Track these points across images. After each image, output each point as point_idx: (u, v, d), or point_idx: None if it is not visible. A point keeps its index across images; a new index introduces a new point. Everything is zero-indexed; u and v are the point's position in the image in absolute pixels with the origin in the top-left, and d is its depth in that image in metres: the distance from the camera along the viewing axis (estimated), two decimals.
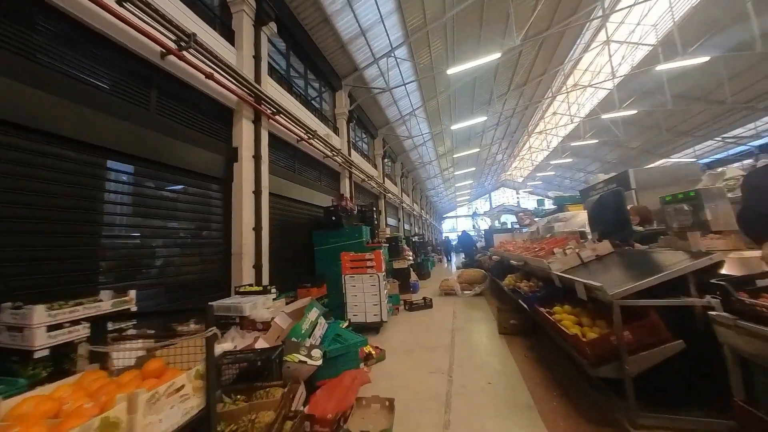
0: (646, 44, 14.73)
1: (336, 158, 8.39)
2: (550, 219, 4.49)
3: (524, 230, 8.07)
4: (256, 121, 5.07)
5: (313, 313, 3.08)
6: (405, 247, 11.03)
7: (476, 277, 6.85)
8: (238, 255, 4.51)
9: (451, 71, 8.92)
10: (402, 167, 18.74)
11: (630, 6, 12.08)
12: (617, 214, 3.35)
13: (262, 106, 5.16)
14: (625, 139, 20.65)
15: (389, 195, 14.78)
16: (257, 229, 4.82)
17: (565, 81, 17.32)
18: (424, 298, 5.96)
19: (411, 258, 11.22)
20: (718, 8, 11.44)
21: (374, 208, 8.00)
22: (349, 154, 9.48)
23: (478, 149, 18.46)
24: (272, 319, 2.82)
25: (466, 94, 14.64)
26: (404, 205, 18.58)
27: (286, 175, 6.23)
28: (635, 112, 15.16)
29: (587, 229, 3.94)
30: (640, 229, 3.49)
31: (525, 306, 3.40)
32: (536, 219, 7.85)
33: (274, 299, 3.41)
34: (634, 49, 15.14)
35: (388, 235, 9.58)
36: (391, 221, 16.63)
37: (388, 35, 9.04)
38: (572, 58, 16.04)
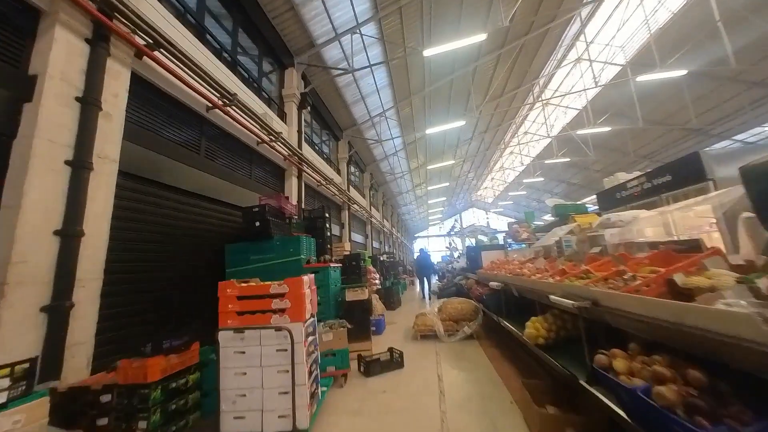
0: (615, 64, 14.84)
1: (278, 147, 6.23)
2: (600, 224, 2.61)
3: (514, 246, 6.30)
4: (97, 41, 2.85)
5: None
6: (371, 268, 8.87)
7: (465, 311, 4.85)
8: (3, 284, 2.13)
9: (428, 52, 7.34)
10: (371, 178, 16.90)
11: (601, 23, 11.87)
12: None
13: (115, 22, 2.97)
14: (592, 160, 21.54)
15: (355, 206, 12.71)
16: (70, 233, 2.48)
17: (541, 93, 17.31)
18: (391, 351, 3.80)
19: (378, 282, 9.05)
20: (688, 27, 11.36)
21: (326, 215, 5.88)
22: (300, 147, 7.37)
23: (453, 161, 17.23)
24: None
25: (442, 99, 13.46)
26: (373, 219, 16.57)
27: (177, 155, 3.95)
28: (609, 129, 15.14)
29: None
30: None
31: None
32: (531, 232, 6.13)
33: None
34: (603, 69, 15.40)
35: (347, 252, 7.40)
36: (358, 237, 14.45)
37: (353, 5, 7.34)
38: (545, 74, 16.15)
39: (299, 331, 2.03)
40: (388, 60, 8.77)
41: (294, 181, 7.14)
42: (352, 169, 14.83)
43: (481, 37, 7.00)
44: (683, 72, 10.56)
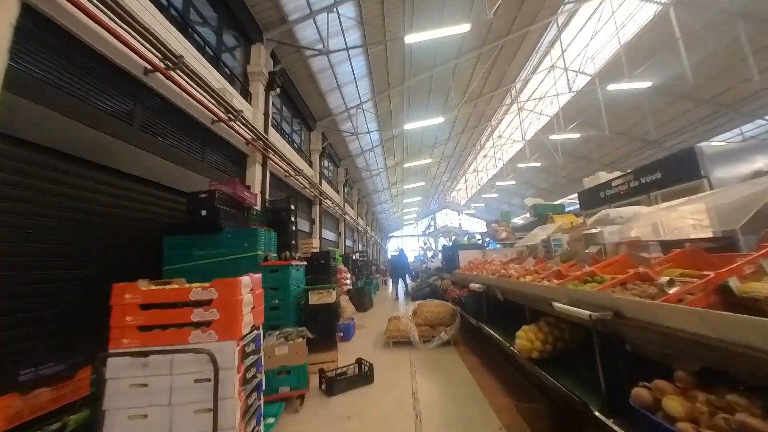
0: (585, 73, 15.46)
1: (238, 128, 5.49)
2: (598, 221, 2.27)
3: (493, 246, 6.05)
4: None
5: None
6: (342, 267, 8.30)
7: (441, 315, 4.46)
8: None
9: (409, 39, 6.91)
10: (346, 174, 16.25)
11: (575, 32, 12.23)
12: None
13: None
14: (560, 165, 22.83)
15: (327, 202, 12.02)
16: None
17: (517, 97, 17.86)
18: (360, 363, 3.29)
19: (349, 282, 8.49)
20: (655, 42, 11.96)
21: (291, 207, 5.23)
22: (266, 132, 6.62)
23: (430, 160, 17.06)
24: None
25: (422, 95, 13.16)
26: (347, 216, 15.93)
27: (97, 122, 3.15)
28: (578, 135, 15.84)
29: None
30: None
31: None
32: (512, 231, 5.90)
33: None
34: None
35: (316, 250, 6.77)
36: (330, 235, 13.76)
37: None
38: (521, 78, 16.58)
39: (230, 352, 1.46)
40: (366, 44, 8.22)
41: (257, 168, 6.39)
42: (326, 163, 14.12)
43: (465, 27, 6.69)
44: (648, 84, 11.07)
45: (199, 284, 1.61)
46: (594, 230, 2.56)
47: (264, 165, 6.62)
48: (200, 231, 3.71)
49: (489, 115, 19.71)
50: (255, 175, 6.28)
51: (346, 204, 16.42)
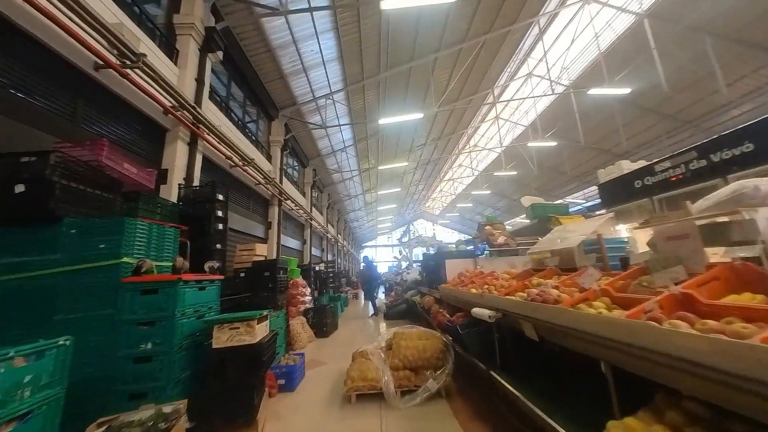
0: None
1: (140, 81, 3.89)
2: (734, 196, 0.99)
3: (481, 254, 4.83)
4: None
5: None
6: (299, 281, 6.72)
7: (428, 353, 3.08)
8: None
9: (385, 5, 5.73)
10: (315, 175, 14.69)
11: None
12: None
13: None
14: (533, 175, 23.90)
15: (289, 203, 10.38)
16: None
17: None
18: None
19: (308, 299, 6.90)
20: (629, 51, 11.94)
21: (218, 197, 3.67)
22: (199, 103, 5.04)
23: (406, 163, 16.01)
24: None
25: (399, 90, 12.17)
26: (314, 222, 14.27)
27: None
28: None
29: None
30: None
31: None
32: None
33: None
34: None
35: (260, 257, 5.16)
36: (293, 243, 12.03)
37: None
38: (500, 84, 16.68)
39: None
40: (335, 6, 6.89)
41: (181, 148, 4.75)
42: (291, 160, 12.51)
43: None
44: (627, 90, 10.86)
45: None
46: (730, 217, 1.36)
47: (193, 144, 4.99)
48: (15, 221, 2.10)
49: (466, 122, 19.23)
50: (177, 157, 4.63)
51: (313, 209, 14.78)
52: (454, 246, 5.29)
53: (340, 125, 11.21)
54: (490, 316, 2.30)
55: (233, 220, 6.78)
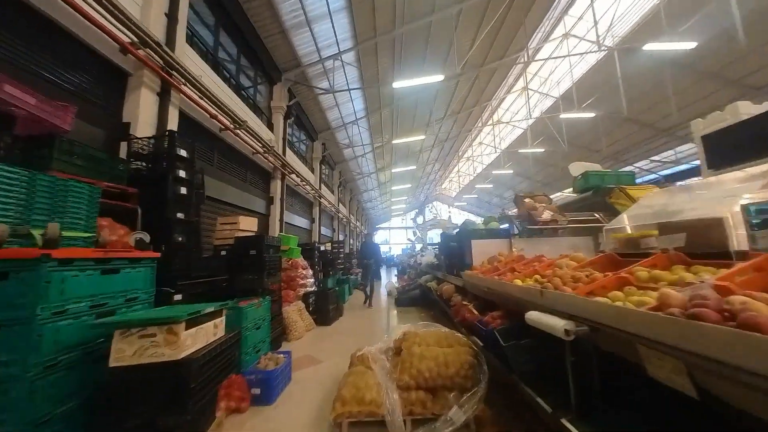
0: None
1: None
2: None
3: (517, 234, 3.78)
4: None
5: None
6: (300, 261, 5.97)
7: (451, 367, 2.18)
8: None
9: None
10: (324, 150, 13.73)
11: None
12: None
13: None
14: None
15: (294, 177, 9.54)
16: None
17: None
18: None
19: (311, 282, 6.16)
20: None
21: (177, 150, 2.80)
22: (170, 45, 4.11)
23: (423, 136, 14.73)
24: None
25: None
26: (323, 201, 13.48)
27: None
28: (542, 150, 17.18)
29: None
30: None
31: None
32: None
33: None
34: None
35: (249, 232, 4.34)
36: (300, 221, 11.32)
37: None
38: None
39: None
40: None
41: (148, 97, 3.87)
42: (299, 134, 11.58)
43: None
44: (692, 44, 9.03)
45: None
46: None
47: (164, 96, 4.10)
48: None
49: (490, 93, 17.44)
50: (141, 108, 3.76)
51: (323, 186, 13.95)
52: (481, 224, 4.26)
53: (349, 89, 10.04)
54: (567, 332, 1.33)
55: (224, 192, 6.00)
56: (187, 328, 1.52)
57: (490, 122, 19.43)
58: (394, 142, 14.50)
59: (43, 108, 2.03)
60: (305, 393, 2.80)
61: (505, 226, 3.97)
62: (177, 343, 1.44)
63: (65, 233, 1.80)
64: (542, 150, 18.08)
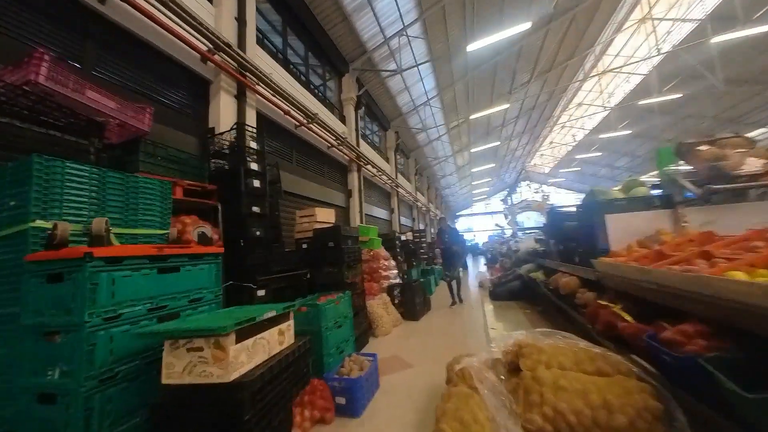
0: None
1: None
2: None
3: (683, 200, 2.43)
4: None
5: None
6: (382, 253, 5.69)
7: (619, 413, 1.40)
8: None
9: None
10: (397, 138, 13.33)
11: None
12: None
13: None
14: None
15: (370, 168, 9.42)
16: None
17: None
18: None
19: (394, 274, 5.82)
20: None
21: (248, 145, 2.69)
22: (242, 47, 4.21)
23: (507, 105, 12.80)
24: None
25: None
26: (401, 190, 13.17)
27: None
28: (680, 95, 12.13)
29: None
30: None
31: None
32: None
33: None
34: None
35: (322, 224, 4.18)
36: (379, 212, 11.25)
37: None
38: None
39: None
40: None
41: (227, 101, 4.04)
42: (372, 125, 11.46)
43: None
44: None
45: None
46: None
47: (241, 97, 4.24)
48: None
49: (593, 35, 13.95)
50: (222, 112, 3.94)
51: (399, 175, 13.63)
52: (616, 191, 3.06)
53: (417, 64, 9.26)
54: None
55: (304, 187, 6.14)
56: (240, 340, 1.20)
57: (593, 73, 15.65)
58: (472, 117, 13.07)
59: (123, 111, 2.07)
60: (395, 407, 2.37)
61: (657, 192, 2.72)
62: (225, 361, 1.13)
63: (139, 231, 1.74)
64: (679, 95, 13.57)
